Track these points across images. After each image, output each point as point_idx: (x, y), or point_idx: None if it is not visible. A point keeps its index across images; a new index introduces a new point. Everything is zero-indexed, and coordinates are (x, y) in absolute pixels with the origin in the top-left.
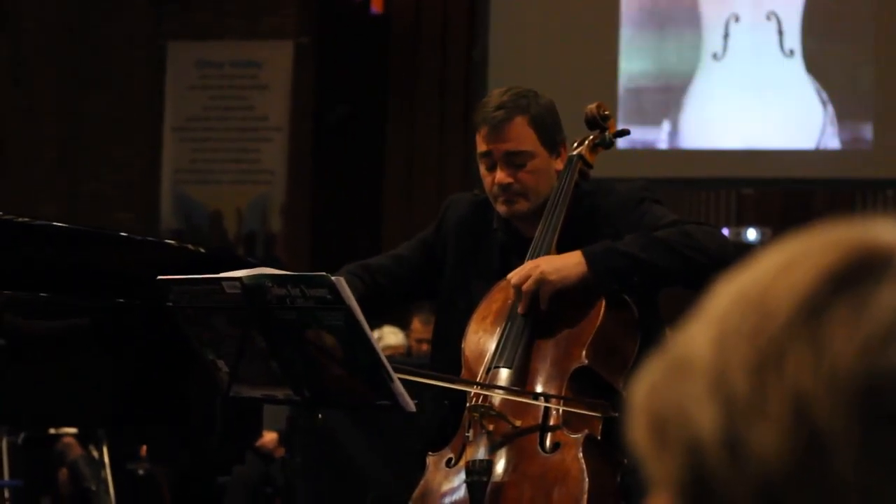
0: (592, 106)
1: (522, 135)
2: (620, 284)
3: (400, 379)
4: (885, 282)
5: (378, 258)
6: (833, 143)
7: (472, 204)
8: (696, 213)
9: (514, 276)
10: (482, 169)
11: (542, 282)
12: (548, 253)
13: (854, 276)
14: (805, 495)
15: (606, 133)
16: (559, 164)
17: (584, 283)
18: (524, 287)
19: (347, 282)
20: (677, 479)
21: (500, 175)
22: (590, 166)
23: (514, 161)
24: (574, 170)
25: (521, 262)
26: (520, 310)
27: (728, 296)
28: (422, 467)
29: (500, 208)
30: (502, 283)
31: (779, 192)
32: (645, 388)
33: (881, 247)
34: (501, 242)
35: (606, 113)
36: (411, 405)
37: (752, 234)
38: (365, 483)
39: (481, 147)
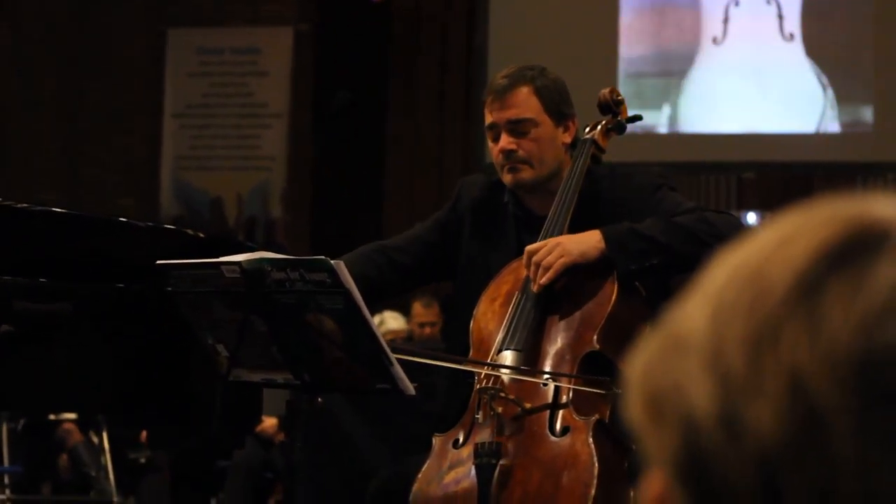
0: (606, 91)
1: (526, 103)
2: (638, 266)
3: (430, 362)
4: (882, 257)
5: (394, 238)
6: (833, 126)
7: (485, 184)
8: (697, 197)
9: (533, 250)
10: (489, 141)
11: (562, 255)
12: (561, 233)
13: (851, 251)
14: (801, 472)
15: (619, 118)
16: (566, 138)
17: (602, 262)
18: (545, 261)
19: (364, 261)
20: (673, 455)
21: (504, 142)
22: (602, 151)
23: (518, 129)
24: (587, 153)
25: (532, 238)
26: (534, 287)
27: (724, 272)
28: (424, 451)
29: (506, 178)
30: (513, 265)
31: (779, 175)
32: (641, 364)
33: (878, 222)
34: (514, 217)
35: (619, 98)
36: (411, 389)
37: (752, 217)
38: (366, 467)
39: (487, 119)
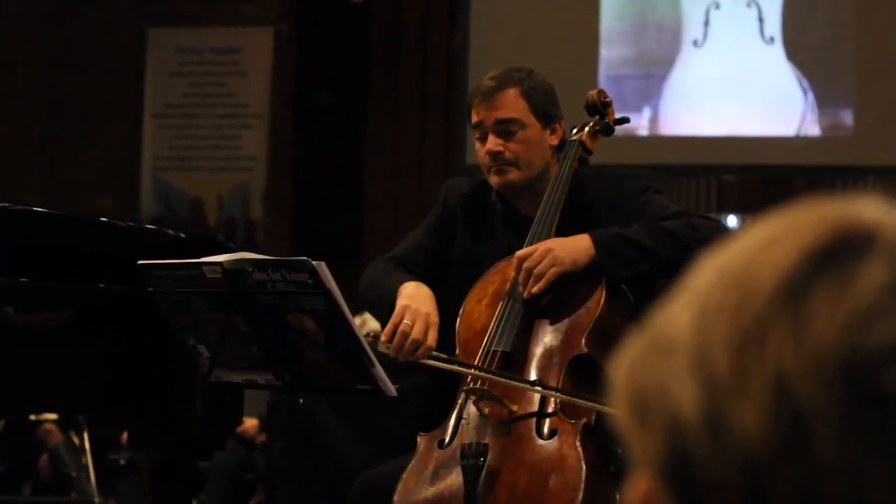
0: (594, 92)
1: (513, 104)
2: (629, 272)
3: (431, 363)
4: (867, 260)
5: (401, 249)
6: (813, 129)
7: (470, 185)
8: (677, 199)
9: (524, 255)
10: (476, 142)
11: (553, 264)
12: (548, 235)
13: (836, 253)
14: (786, 474)
15: (607, 119)
16: (553, 140)
17: (591, 268)
18: (537, 269)
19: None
20: (658, 457)
21: (491, 143)
22: (589, 152)
23: (505, 129)
24: (574, 155)
25: (518, 239)
26: (524, 292)
27: (709, 273)
28: (406, 451)
29: (493, 179)
30: (500, 265)
31: (759, 178)
32: (626, 365)
33: (863, 224)
34: (502, 216)
35: (607, 100)
36: (392, 390)
37: (732, 220)
38: (348, 468)
39: (473, 118)
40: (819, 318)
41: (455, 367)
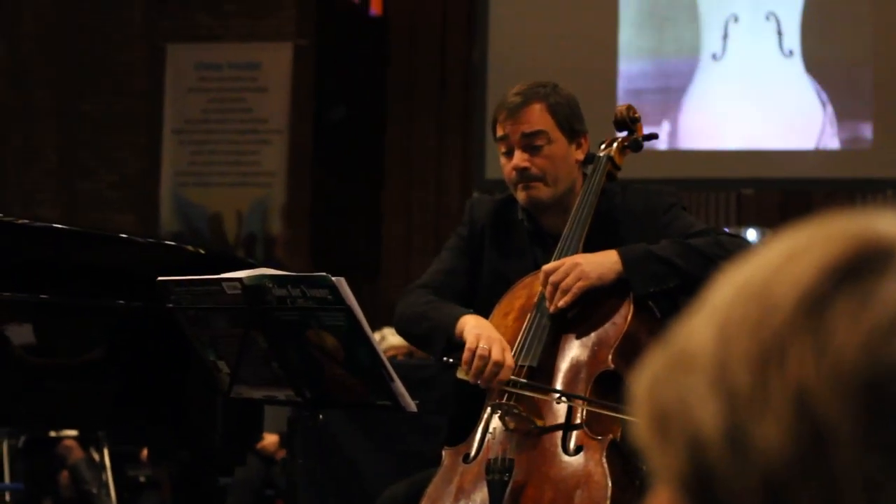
0: (622, 107)
1: (539, 119)
2: (656, 289)
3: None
4: (887, 274)
5: (432, 277)
6: (832, 143)
7: (494, 202)
8: (696, 214)
9: (551, 270)
10: (502, 158)
11: (580, 278)
12: (576, 251)
13: (857, 268)
14: (807, 489)
15: (636, 135)
16: (579, 155)
17: (619, 283)
18: (563, 283)
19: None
20: (680, 472)
21: (517, 158)
22: (618, 168)
23: (531, 144)
24: (602, 170)
25: (546, 256)
26: (551, 307)
27: (730, 289)
28: (428, 466)
29: (520, 196)
30: (526, 280)
31: (778, 192)
32: (647, 380)
33: (884, 239)
34: (529, 232)
35: (636, 115)
36: (412, 405)
37: (751, 234)
38: (368, 484)
39: (499, 132)
40: (840, 334)
41: (536, 394)
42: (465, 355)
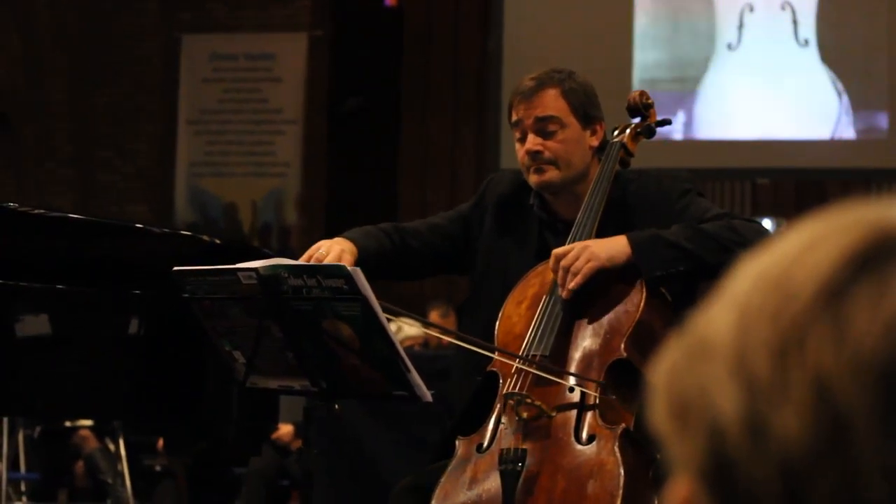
0: (635, 93)
1: (553, 103)
2: (664, 272)
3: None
4: None
5: (413, 223)
6: (848, 132)
7: (513, 182)
8: (712, 203)
9: (561, 253)
10: (516, 142)
11: (590, 259)
12: (589, 237)
13: (875, 256)
14: (827, 477)
15: (649, 121)
16: (594, 141)
17: (630, 268)
18: (574, 265)
19: (380, 237)
20: (699, 461)
21: (530, 142)
22: (631, 154)
23: (544, 128)
24: (615, 156)
25: (556, 242)
26: (562, 291)
27: (749, 277)
28: (441, 457)
29: (532, 178)
30: (539, 268)
31: (794, 182)
32: (666, 369)
33: None
34: (539, 219)
35: (649, 101)
36: (428, 396)
37: (767, 224)
38: (383, 474)
39: (513, 117)
40: (859, 322)
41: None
42: (304, 255)
